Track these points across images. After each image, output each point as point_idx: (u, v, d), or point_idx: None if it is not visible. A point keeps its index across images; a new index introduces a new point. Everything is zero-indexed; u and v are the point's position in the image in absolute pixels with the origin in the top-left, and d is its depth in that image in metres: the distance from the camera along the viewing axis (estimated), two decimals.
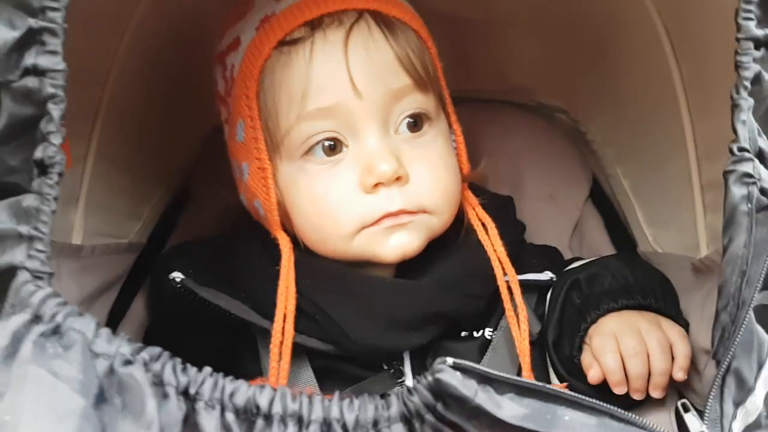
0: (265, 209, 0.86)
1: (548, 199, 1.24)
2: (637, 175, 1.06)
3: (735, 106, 0.58)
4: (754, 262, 0.56)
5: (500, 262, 0.88)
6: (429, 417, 0.54)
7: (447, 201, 0.86)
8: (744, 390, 0.58)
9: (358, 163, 0.82)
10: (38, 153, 0.56)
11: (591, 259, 0.99)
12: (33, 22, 0.55)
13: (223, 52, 0.89)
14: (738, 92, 0.58)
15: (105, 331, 0.54)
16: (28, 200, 0.57)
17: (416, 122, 0.85)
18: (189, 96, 1.08)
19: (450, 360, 0.53)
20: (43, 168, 0.56)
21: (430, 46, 0.89)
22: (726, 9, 0.63)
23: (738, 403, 0.58)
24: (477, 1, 1.10)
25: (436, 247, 0.88)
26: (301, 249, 0.86)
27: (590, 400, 0.54)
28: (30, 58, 0.55)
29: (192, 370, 0.54)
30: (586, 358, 0.83)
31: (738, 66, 0.58)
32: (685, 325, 0.83)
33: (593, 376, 0.81)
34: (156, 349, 0.55)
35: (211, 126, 1.19)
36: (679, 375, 0.77)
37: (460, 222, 0.91)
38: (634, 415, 0.54)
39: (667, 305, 0.84)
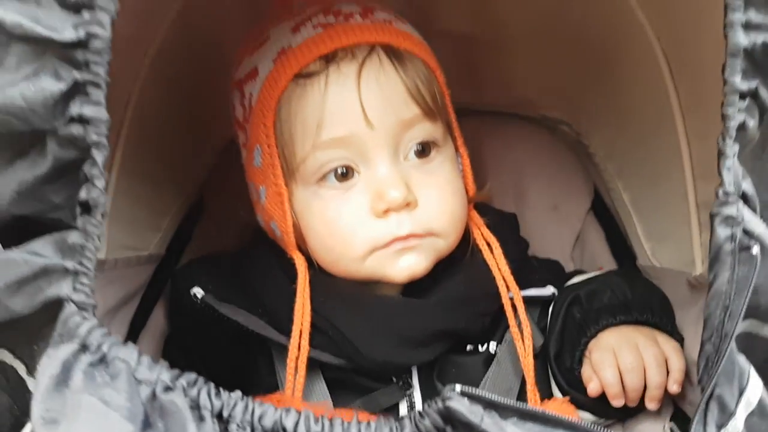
0: (282, 231, 0.91)
1: (551, 210, 1.28)
2: (637, 189, 1.10)
3: (721, 154, 0.63)
4: (736, 297, 0.62)
5: (504, 280, 0.92)
6: None
7: (453, 224, 0.91)
8: (726, 414, 0.63)
9: (370, 189, 0.87)
10: (83, 194, 0.61)
11: (592, 275, 1.02)
12: (78, 75, 0.60)
13: (241, 80, 0.93)
14: (724, 140, 0.63)
15: (146, 359, 0.59)
16: (73, 237, 0.62)
17: (424, 149, 0.90)
18: (206, 111, 1.12)
19: (458, 387, 0.59)
20: (87, 208, 0.62)
21: (438, 75, 0.93)
22: (722, 37, 0.66)
23: (720, 426, 0.63)
24: (484, 21, 1.15)
25: (443, 266, 0.92)
26: (315, 268, 0.91)
27: (585, 425, 0.59)
28: (75, 108, 0.60)
29: (225, 394, 0.60)
30: (586, 371, 0.87)
31: (724, 117, 0.63)
32: (680, 339, 0.87)
33: (593, 389, 0.85)
34: (192, 375, 0.60)
35: (227, 138, 1.24)
36: (674, 388, 0.82)
37: (466, 241, 0.95)
38: None
39: (663, 321, 0.88)
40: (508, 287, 0.92)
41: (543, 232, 1.26)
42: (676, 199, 0.94)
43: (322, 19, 0.89)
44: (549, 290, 0.98)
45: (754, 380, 0.65)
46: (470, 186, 0.97)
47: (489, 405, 0.59)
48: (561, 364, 0.91)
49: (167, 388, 0.57)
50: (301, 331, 0.85)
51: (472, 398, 0.59)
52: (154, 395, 0.57)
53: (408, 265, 0.88)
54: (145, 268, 1.04)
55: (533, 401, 0.89)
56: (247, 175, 0.96)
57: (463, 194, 0.94)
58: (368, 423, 0.60)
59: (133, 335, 0.97)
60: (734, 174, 0.63)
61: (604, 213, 1.22)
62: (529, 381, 0.89)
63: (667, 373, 0.83)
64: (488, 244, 0.95)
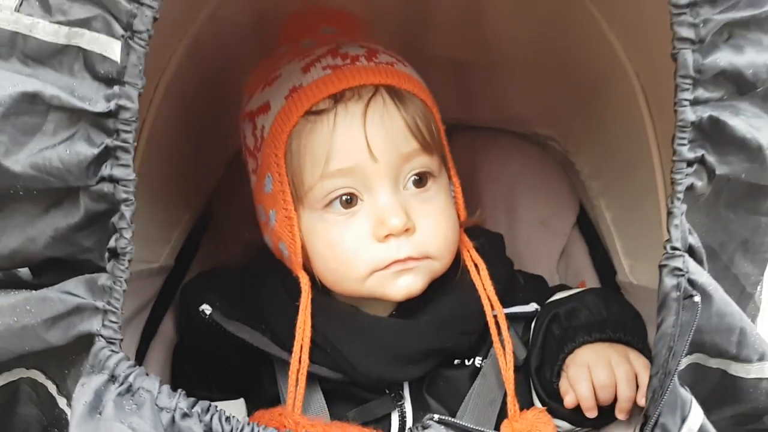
0: (290, 252, 0.99)
1: (539, 225, 1.34)
2: (618, 209, 1.16)
3: (669, 213, 0.72)
4: (679, 339, 0.71)
5: (489, 300, 1.00)
6: None
7: (447, 247, 0.99)
8: None
9: (372, 215, 0.95)
10: (112, 243, 0.70)
11: (571, 292, 1.08)
12: (109, 141, 0.68)
13: (253, 112, 1.02)
14: (672, 202, 0.72)
15: (166, 388, 0.68)
16: (102, 279, 0.71)
17: (421, 179, 0.98)
18: (214, 127, 1.19)
19: (436, 417, 0.68)
20: (115, 254, 0.70)
21: (435, 112, 1.02)
22: None
23: None
24: (478, 46, 1.22)
25: (435, 286, 1.00)
26: (318, 287, 0.99)
27: None
28: (106, 170, 0.69)
29: (234, 419, 0.69)
30: (563, 385, 0.94)
31: (673, 181, 0.72)
32: (650, 356, 0.89)
33: (569, 401, 0.92)
34: (206, 403, 0.69)
35: (233, 152, 1.31)
36: (642, 401, 0.85)
37: (456, 261, 1.03)
38: None
39: (635, 339, 0.93)
40: (492, 306, 1.00)
41: (531, 245, 1.33)
42: (653, 223, 1.00)
43: (331, 61, 0.97)
44: (532, 307, 1.04)
45: (695, 410, 0.74)
46: (461, 211, 1.05)
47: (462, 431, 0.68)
48: (542, 377, 0.98)
49: (185, 415, 0.67)
50: (302, 346, 0.94)
51: (448, 425, 0.68)
52: (173, 421, 0.66)
53: (406, 285, 0.96)
54: (155, 280, 1.11)
55: (513, 411, 0.96)
56: (256, 199, 1.04)
57: (456, 220, 1.03)
58: None
59: (144, 343, 1.04)
60: (682, 230, 0.72)
61: (588, 228, 1.29)
62: (509, 393, 0.96)
63: (637, 387, 0.89)
64: (476, 265, 1.03)
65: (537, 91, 1.25)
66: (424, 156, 0.98)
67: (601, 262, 1.24)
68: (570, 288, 1.12)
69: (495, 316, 1.00)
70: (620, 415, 0.90)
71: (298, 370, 0.93)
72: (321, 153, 0.94)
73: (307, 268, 1.00)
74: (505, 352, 0.97)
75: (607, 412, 0.92)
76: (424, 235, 0.96)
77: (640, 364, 0.90)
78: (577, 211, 1.33)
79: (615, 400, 0.90)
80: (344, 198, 0.96)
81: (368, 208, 0.96)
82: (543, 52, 1.17)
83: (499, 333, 0.99)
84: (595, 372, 0.91)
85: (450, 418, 0.68)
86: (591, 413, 0.91)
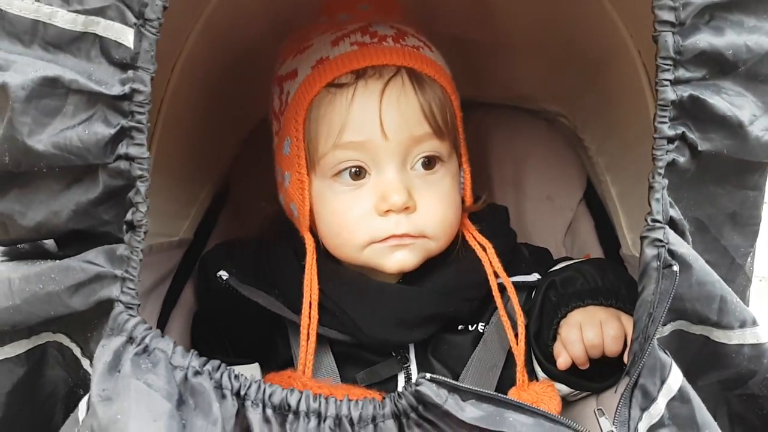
0: (299, 213, 1.05)
1: (546, 200, 1.39)
2: (623, 184, 1.18)
3: (651, 188, 0.76)
4: (658, 306, 0.75)
5: (497, 274, 1.04)
6: (413, 415, 0.74)
7: (445, 230, 1.04)
8: (648, 399, 0.76)
9: (376, 190, 1.00)
10: (129, 216, 0.76)
11: (570, 263, 1.12)
12: (125, 122, 0.74)
13: (282, 77, 1.07)
14: (653, 177, 0.76)
15: (179, 349, 0.74)
16: (121, 249, 0.77)
17: (430, 161, 1.03)
18: (230, 107, 1.24)
19: (428, 375, 0.73)
20: (132, 227, 0.76)
21: (454, 99, 1.06)
22: None
23: (644, 409, 0.76)
24: (485, 26, 1.25)
25: (437, 259, 1.05)
26: (322, 252, 1.04)
27: (529, 405, 0.73)
28: (123, 148, 0.74)
29: (242, 377, 0.75)
30: (556, 347, 0.99)
31: (654, 158, 0.76)
32: None
33: (561, 362, 0.97)
34: (216, 362, 0.75)
35: (249, 129, 1.36)
36: (626, 358, 0.87)
37: (456, 240, 1.08)
38: (561, 417, 0.74)
39: (627, 306, 0.96)
40: (498, 277, 1.04)
41: (537, 220, 1.37)
42: None
43: (359, 38, 1.02)
44: (534, 277, 1.09)
45: (675, 372, 0.78)
46: (468, 198, 1.10)
47: (453, 389, 0.74)
48: (540, 342, 1.02)
49: (196, 373, 0.73)
50: (310, 303, 0.99)
51: (440, 384, 0.73)
52: (186, 378, 0.72)
53: (400, 259, 1.02)
54: (175, 252, 1.16)
55: (521, 381, 1.01)
56: (276, 160, 1.10)
57: (458, 206, 1.07)
58: (356, 401, 0.75)
59: (165, 313, 1.09)
60: (663, 204, 0.76)
61: (595, 204, 1.33)
62: (518, 363, 1.01)
63: (625, 347, 0.92)
64: (482, 246, 1.07)
65: (544, 68, 1.28)
66: (435, 140, 1.02)
67: (606, 237, 1.26)
68: (573, 260, 1.15)
69: (502, 289, 1.04)
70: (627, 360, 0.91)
71: (308, 325, 0.99)
72: (336, 124, 0.99)
73: (314, 231, 1.05)
74: (515, 326, 1.02)
75: (602, 377, 0.96)
76: (423, 215, 1.01)
77: (629, 324, 0.92)
78: (584, 187, 1.36)
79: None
80: (353, 170, 1.01)
81: (374, 182, 1.01)
82: (549, 30, 1.19)
83: (507, 303, 1.04)
84: (586, 331, 0.95)
85: (441, 377, 0.73)
86: (583, 366, 0.95)
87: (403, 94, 0.99)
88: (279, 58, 1.10)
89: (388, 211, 0.99)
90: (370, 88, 0.98)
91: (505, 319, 1.03)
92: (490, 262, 1.05)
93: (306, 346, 0.98)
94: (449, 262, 1.06)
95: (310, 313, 0.99)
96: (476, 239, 1.08)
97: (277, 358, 1.06)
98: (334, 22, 1.06)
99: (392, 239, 1.00)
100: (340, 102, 0.99)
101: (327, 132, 0.99)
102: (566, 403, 1.03)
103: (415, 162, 1.02)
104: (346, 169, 1.00)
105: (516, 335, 1.02)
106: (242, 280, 1.06)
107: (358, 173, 1.01)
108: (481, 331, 1.07)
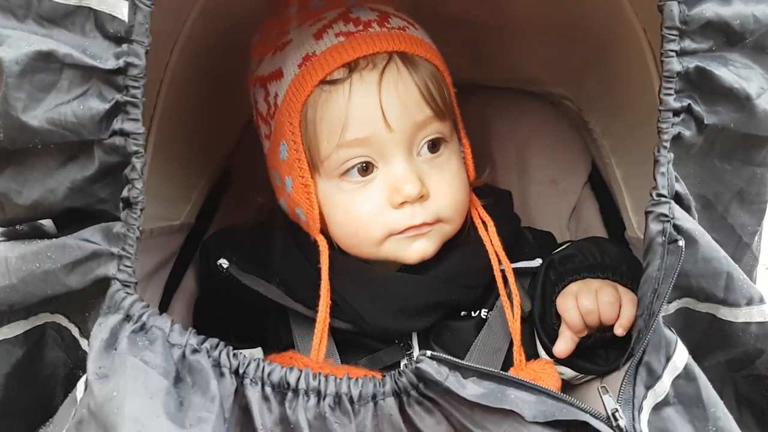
0: (308, 217, 1.02)
1: (550, 183, 1.37)
2: (628, 166, 1.17)
3: (656, 162, 0.75)
4: (663, 282, 0.74)
5: (497, 255, 1.03)
6: (413, 393, 0.73)
7: (458, 210, 1.02)
8: (653, 377, 0.75)
9: (387, 183, 0.98)
10: (125, 193, 0.75)
11: (570, 242, 1.12)
12: (119, 97, 0.73)
13: (264, 77, 1.03)
14: (659, 151, 0.74)
15: (177, 327, 0.73)
16: (117, 227, 0.76)
17: (435, 144, 1.01)
18: (230, 90, 1.21)
19: (429, 353, 0.72)
20: (128, 204, 0.75)
21: (447, 76, 1.04)
22: None
23: (648, 387, 0.75)
24: (490, 7, 1.23)
25: (448, 242, 1.03)
26: (334, 248, 1.03)
27: (531, 383, 0.72)
28: (117, 124, 0.73)
29: (240, 355, 0.74)
30: (562, 327, 0.97)
31: (659, 131, 0.74)
32: None
33: (559, 349, 0.95)
34: (214, 340, 0.74)
35: (249, 114, 1.34)
36: (619, 331, 0.88)
37: (465, 220, 1.06)
38: (563, 394, 0.73)
39: (625, 280, 0.95)
40: (500, 261, 1.03)
41: (542, 204, 1.36)
42: None
43: (343, 27, 0.98)
44: (537, 262, 1.07)
45: (680, 349, 0.77)
46: (471, 172, 1.08)
47: (453, 367, 0.73)
48: (544, 323, 1.01)
49: (194, 350, 0.72)
50: (326, 305, 0.97)
51: (440, 361, 0.72)
52: (183, 356, 0.71)
53: (420, 248, 1.00)
54: (177, 236, 1.15)
55: (519, 361, 1.01)
56: (270, 164, 1.07)
57: (467, 183, 1.06)
58: (356, 379, 0.74)
59: (167, 297, 1.09)
60: (668, 178, 0.75)
61: (600, 186, 1.31)
62: (515, 343, 1.00)
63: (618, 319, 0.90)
64: (484, 223, 1.06)
65: (548, 50, 1.26)
66: (437, 122, 1.00)
67: (611, 220, 1.26)
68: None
69: (502, 270, 1.03)
70: (618, 330, 0.90)
71: (322, 330, 0.97)
72: (337, 123, 0.96)
73: (324, 231, 1.03)
74: (512, 304, 1.01)
75: (606, 360, 0.95)
76: (436, 200, 0.99)
77: (627, 297, 0.92)
78: (589, 170, 1.35)
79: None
80: (360, 166, 0.98)
81: (383, 175, 0.98)
82: (553, 11, 1.18)
83: (507, 286, 1.03)
84: (581, 299, 0.93)
85: (442, 355, 0.72)
86: (580, 335, 0.94)
87: (401, 80, 0.96)
88: (253, 56, 1.06)
89: (402, 203, 0.98)
90: (366, 80, 0.95)
91: (505, 300, 1.02)
92: (492, 243, 1.04)
93: (318, 350, 0.97)
94: (457, 246, 1.05)
95: (325, 318, 0.97)
96: (480, 216, 1.06)
97: (278, 344, 1.05)
98: (308, 11, 1.02)
99: (410, 230, 0.99)
100: (337, 99, 0.95)
101: (328, 132, 0.96)
102: (570, 386, 1.03)
103: (421, 147, 1.00)
104: (353, 166, 0.98)
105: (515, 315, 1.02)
106: (243, 267, 1.05)
107: (366, 168, 0.98)
108: (484, 317, 1.05)
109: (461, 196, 1.03)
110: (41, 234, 0.83)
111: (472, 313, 1.06)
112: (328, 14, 1.01)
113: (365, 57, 0.96)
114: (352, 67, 0.96)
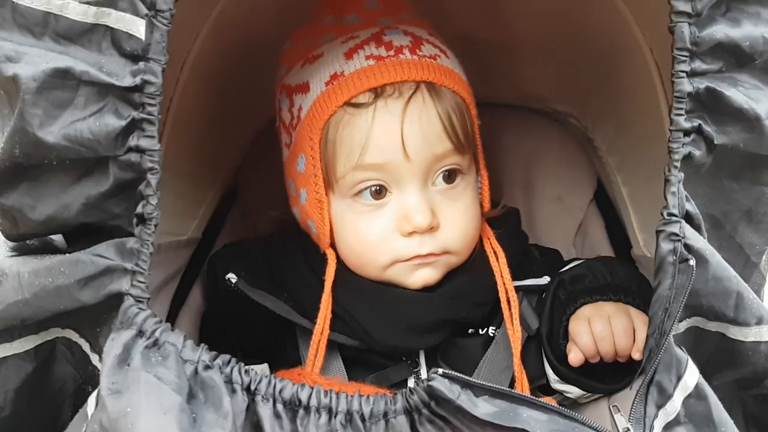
0: (319, 231, 1.02)
1: (556, 200, 1.38)
2: (634, 184, 1.18)
3: (667, 181, 0.75)
4: (674, 301, 0.74)
5: (504, 285, 1.03)
6: (425, 411, 0.73)
7: (467, 244, 1.03)
8: (664, 396, 0.75)
9: (398, 210, 0.98)
10: (139, 209, 0.75)
11: (579, 261, 1.11)
12: (135, 114, 0.73)
13: (291, 87, 1.03)
14: (669, 170, 0.75)
15: (190, 342, 0.74)
16: (131, 243, 0.76)
17: (450, 175, 1.01)
18: (239, 107, 1.23)
19: (441, 371, 0.72)
20: (142, 220, 0.76)
21: (472, 108, 1.03)
22: None
23: (659, 406, 0.75)
24: (496, 26, 1.24)
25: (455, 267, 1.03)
26: (341, 263, 1.03)
27: (543, 402, 0.72)
28: (133, 140, 0.74)
29: (252, 372, 0.74)
30: (569, 346, 0.96)
31: (670, 150, 0.75)
32: None
33: (572, 359, 0.95)
34: (226, 356, 0.74)
35: (258, 129, 1.35)
36: (636, 355, 0.88)
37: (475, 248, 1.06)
38: (575, 414, 0.73)
39: (636, 301, 0.95)
40: (506, 290, 1.03)
41: (548, 221, 1.36)
42: None
43: (374, 50, 0.98)
44: (545, 280, 1.07)
45: (691, 368, 0.77)
46: (486, 203, 1.08)
47: (465, 385, 0.73)
48: (552, 342, 1.01)
49: (207, 367, 0.72)
50: (325, 317, 0.98)
51: (452, 379, 0.72)
52: (196, 372, 0.71)
53: (423, 276, 1.01)
54: (184, 251, 1.15)
55: (520, 379, 1.00)
56: (287, 173, 1.07)
57: (479, 216, 1.05)
58: (367, 397, 0.74)
59: (174, 311, 1.09)
60: (679, 197, 0.75)
61: (606, 204, 1.32)
62: (515, 362, 1.00)
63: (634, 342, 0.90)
64: (495, 252, 1.06)
65: (554, 68, 1.27)
66: (456, 155, 1.00)
67: (617, 237, 1.26)
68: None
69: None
70: (635, 354, 0.90)
71: (319, 341, 0.98)
72: (356, 145, 0.96)
73: (334, 245, 1.03)
74: (513, 325, 1.01)
75: (614, 379, 0.94)
76: (446, 232, 1.00)
77: (639, 320, 0.92)
78: (595, 187, 1.35)
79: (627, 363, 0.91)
80: (374, 188, 0.99)
81: (396, 202, 0.99)
82: (559, 29, 1.19)
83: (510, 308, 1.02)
84: (594, 324, 0.93)
85: (454, 373, 0.72)
86: (593, 360, 0.94)
87: (425, 111, 0.96)
88: (283, 62, 1.07)
89: (412, 232, 0.98)
90: (390, 108, 0.95)
91: (509, 322, 1.01)
92: (501, 273, 1.04)
93: (314, 359, 0.97)
94: (465, 269, 1.05)
95: (323, 329, 0.98)
96: (492, 246, 1.06)
97: (286, 360, 1.05)
98: (342, 25, 1.03)
99: (416, 259, 0.99)
100: (359, 123, 0.96)
101: (347, 154, 0.96)
102: (578, 405, 1.02)
103: (436, 177, 1.00)
104: (367, 188, 0.98)
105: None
106: (251, 282, 1.05)
107: (379, 191, 0.99)
108: (492, 334, 1.05)
109: (471, 229, 1.03)
110: (52, 249, 0.84)
111: (480, 330, 1.06)
112: (361, 33, 1.01)
113: (392, 84, 0.96)
114: (378, 92, 0.96)
